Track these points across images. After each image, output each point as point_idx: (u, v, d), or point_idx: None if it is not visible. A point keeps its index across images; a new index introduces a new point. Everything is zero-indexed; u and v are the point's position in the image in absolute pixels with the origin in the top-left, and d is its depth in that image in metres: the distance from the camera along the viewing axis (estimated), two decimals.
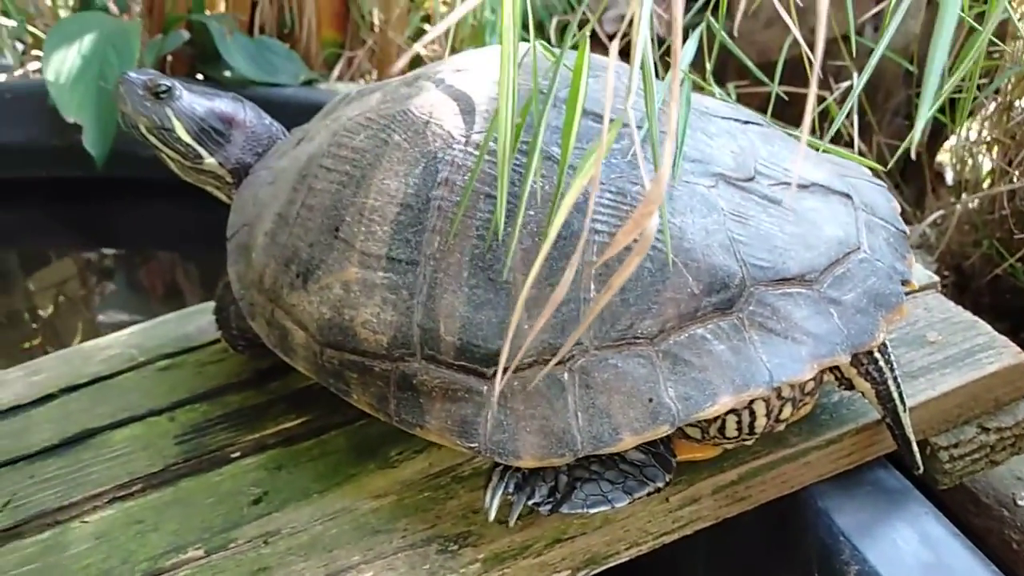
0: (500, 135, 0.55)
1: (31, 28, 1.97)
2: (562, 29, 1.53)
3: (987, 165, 1.37)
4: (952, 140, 1.50)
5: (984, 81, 1.18)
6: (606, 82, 0.67)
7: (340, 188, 0.70)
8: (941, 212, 1.30)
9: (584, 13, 1.54)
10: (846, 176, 0.73)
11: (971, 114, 1.30)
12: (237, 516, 0.74)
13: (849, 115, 1.19)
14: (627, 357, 0.60)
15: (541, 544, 0.67)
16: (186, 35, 1.78)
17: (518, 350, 0.62)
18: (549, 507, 0.63)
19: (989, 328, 0.82)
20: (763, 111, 1.47)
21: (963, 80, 1.23)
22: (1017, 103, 1.23)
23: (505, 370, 0.61)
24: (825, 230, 0.65)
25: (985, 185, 1.35)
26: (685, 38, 0.67)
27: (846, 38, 1.38)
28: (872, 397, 0.69)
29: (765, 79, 1.06)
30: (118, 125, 1.54)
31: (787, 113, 1.19)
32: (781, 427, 0.68)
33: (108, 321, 1.59)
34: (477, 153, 0.66)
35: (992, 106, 1.31)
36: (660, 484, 0.64)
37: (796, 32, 0.85)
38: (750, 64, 0.87)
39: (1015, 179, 1.20)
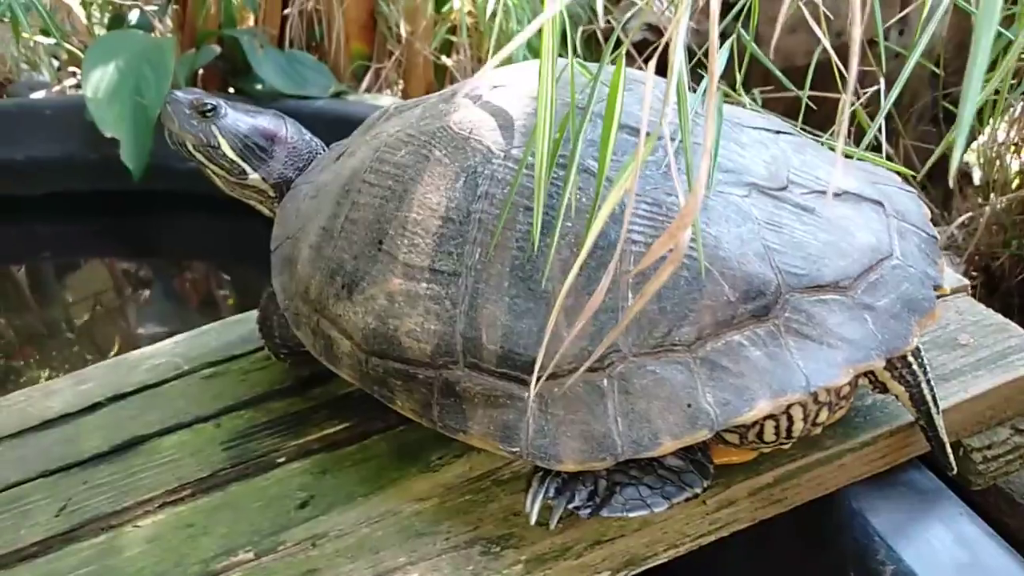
0: (538, 149, 0.57)
1: (67, 45, 2.03)
2: (587, 38, 1.55)
3: (1015, 166, 1.37)
4: (979, 141, 1.50)
5: (1013, 82, 1.19)
6: (642, 96, 0.70)
7: (383, 202, 0.73)
8: (970, 214, 1.30)
9: (609, 22, 1.56)
10: (877, 183, 0.74)
11: (1001, 113, 1.30)
12: (285, 519, 0.77)
13: (881, 125, 1.19)
14: (665, 364, 0.62)
15: (581, 546, 0.69)
16: (217, 50, 1.82)
17: (557, 356, 0.64)
18: (589, 511, 0.65)
19: (1020, 330, 0.82)
20: (788, 116, 1.48)
21: (986, 81, 1.23)
22: None
23: (542, 376, 0.64)
24: (858, 237, 0.66)
25: (1014, 186, 1.35)
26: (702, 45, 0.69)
27: (872, 42, 1.38)
28: (906, 400, 0.70)
29: (792, 87, 1.07)
30: (155, 139, 1.60)
31: (812, 117, 1.20)
32: (818, 431, 0.69)
33: (146, 330, 1.63)
34: (516, 167, 0.68)
35: (1020, 107, 1.31)
36: (698, 490, 0.65)
37: (825, 40, 0.86)
38: (778, 73, 0.89)
39: None
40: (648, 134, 0.68)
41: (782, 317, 0.63)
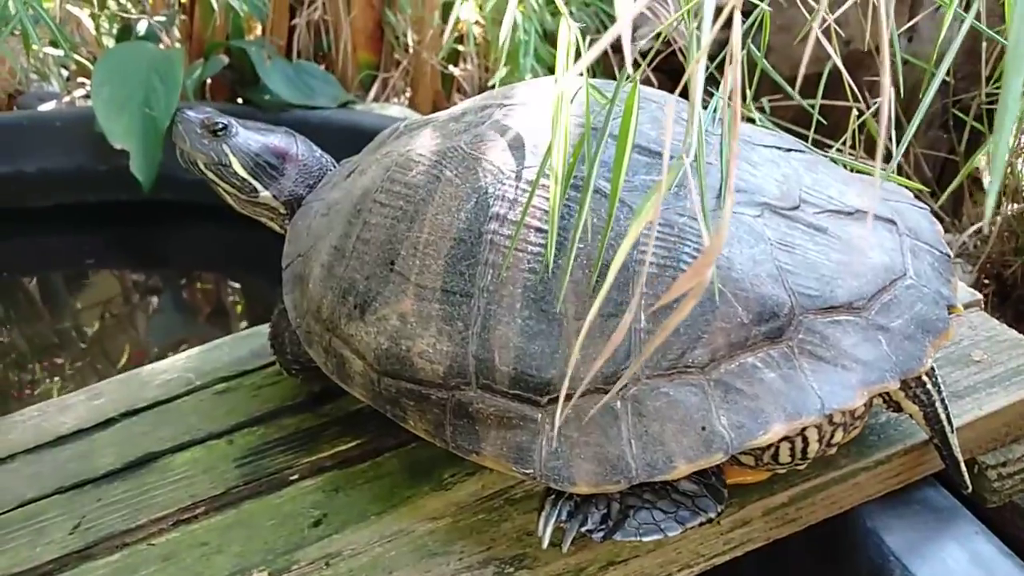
0: (553, 171, 0.57)
1: (76, 56, 2.04)
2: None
3: None
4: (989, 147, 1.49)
5: None
6: (654, 115, 0.70)
7: (394, 223, 0.73)
8: (982, 222, 1.30)
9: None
10: (888, 199, 0.74)
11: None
12: (298, 538, 0.77)
13: (891, 132, 1.19)
14: (679, 386, 0.62)
15: (595, 567, 0.69)
16: (225, 60, 1.83)
17: (572, 379, 0.64)
18: (602, 534, 0.65)
19: None
20: (796, 123, 1.48)
21: (998, 88, 1.23)
22: None
23: (558, 399, 0.63)
24: (871, 257, 0.66)
25: None
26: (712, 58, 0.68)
27: (880, 50, 1.38)
28: (920, 419, 0.70)
29: (799, 99, 1.07)
30: (164, 150, 1.60)
31: (821, 125, 1.19)
32: (832, 451, 0.69)
33: (156, 341, 1.63)
34: (527, 188, 0.68)
35: None
36: (712, 515, 0.65)
37: (834, 54, 0.85)
38: (787, 87, 0.89)
39: None
40: (672, 160, 0.68)
41: (796, 339, 0.62)
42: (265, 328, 0.99)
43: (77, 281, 1.85)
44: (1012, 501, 0.79)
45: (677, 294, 0.35)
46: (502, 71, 1.68)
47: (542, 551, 0.69)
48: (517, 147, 0.71)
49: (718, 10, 0.45)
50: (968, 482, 0.71)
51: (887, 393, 0.69)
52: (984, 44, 1.32)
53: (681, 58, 1.49)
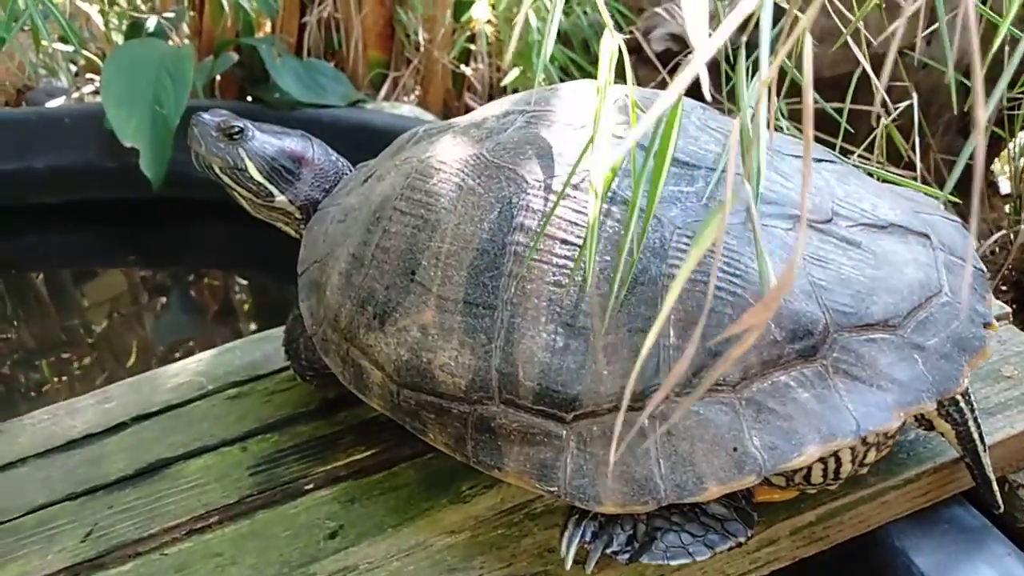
0: (593, 184, 0.55)
1: (85, 52, 2.03)
2: None
3: None
4: (1009, 149, 1.47)
5: None
6: (685, 128, 0.68)
7: (415, 232, 0.71)
8: (1002, 232, 1.28)
9: (632, 32, 1.54)
10: (920, 212, 0.73)
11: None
12: (314, 550, 0.76)
13: (909, 136, 1.17)
14: (709, 404, 0.61)
15: None
16: (235, 58, 1.81)
17: (597, 395, 0.62)
18: (627, 556, 0.64)
19: None
20: (815, 127, 1.45)
21: (1021, 93, 1.21)
22: None
23: (586, 415, 0.62)
24: (906, 273, 0.64)
25: None
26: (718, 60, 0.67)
27: (902, 53, 1.36)
28: (952, 438, 0.68)
29: (825, 105, 1.05)
30: (174, 147, 1.59)
31: (837, 131, 1.17)
32: (864, 471, 0.67)
33: (166, 341, 1.62)
34: (552, 198, 0.66)
35: None
36: (742, 539, 0.63)
37: (863, 60, 0.84)
38: (821, 101, 0.87)
39: None
40: (697, 168, 0.66)
41: (830, 357, 0.61)
42: (278, 332, 0.98)
43: (86, 279, 1.84)
44: None
45: (745, 327, 0.33)
46: (514, 72, 1.66)
47: (563, 569, 0.68)
48: (541, 156, 0.69)
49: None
50: (1000, 502, 0.70)
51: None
52: (1006, 48, 1.30)
53: None
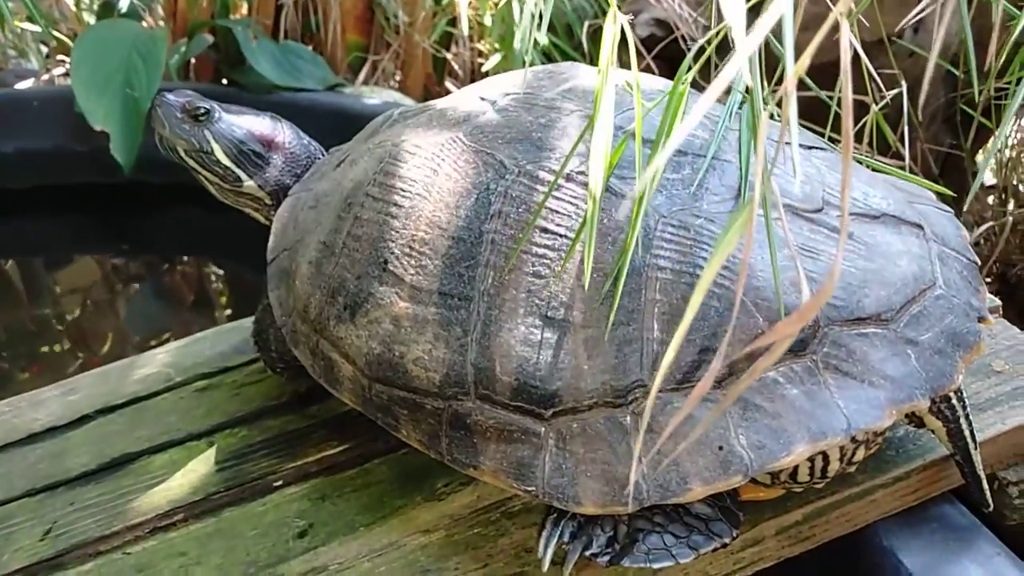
0: (592, 172, 0.53)
1: (55, 33, 1.97)
2: (593, 32, 1.50)
3: None
4: (993, 141, 1.46)
5: None
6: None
7: (388, 219, 0.68)
8: (989, 224, 1.27)
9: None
10: (913, 202, 0.70)
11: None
12: (283, 550, 0.73)
13: (898, 126, 1.15)
14: None
15: None
16: (210, 39, 1.76)
17: (578, 391, 0.60)
18: (608, 558, 0.61)
19: None
20: (801, 115, 1.43)
21: (1007, 83, 1.19)
22: None
23: (565, 412, 0.59)
24: (900, 265, 0.62)
25: None
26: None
27: (890, 40, 1.33)
28: (942, 435, 0.66)
29: (818, 91, 1.03)
30: (146, 132, 1.55)
31: (822, 116, 1.15)
32: (852, 469, 0.65)
33: (137, 328, 1.59)
34: (531, 183, 0.63)
35: None
36: (727, 540, 0.61)
37: (857, 44, 0.81)
38: (808, 81, 0.84)
39: None
40: (685, 154, 0.63)
41: (820, 352, 0.58)
42: (248, 322, 0.95)
43: (55, 266, 1.79)
44: None
45: (778, 337, 0.30)
46: (496, 57, 1.63)
47: (542, 572, 0.65)
48: (520, 140, 0.66)
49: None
50: (990, 501, 0.68)
51: None
52: (993, 36, 1.29)
53: (682, 45, 1.45)
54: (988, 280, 1.35)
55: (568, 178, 0.63)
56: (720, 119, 0.64)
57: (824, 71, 1.07)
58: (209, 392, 0.93)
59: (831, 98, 0.86)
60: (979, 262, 0.67)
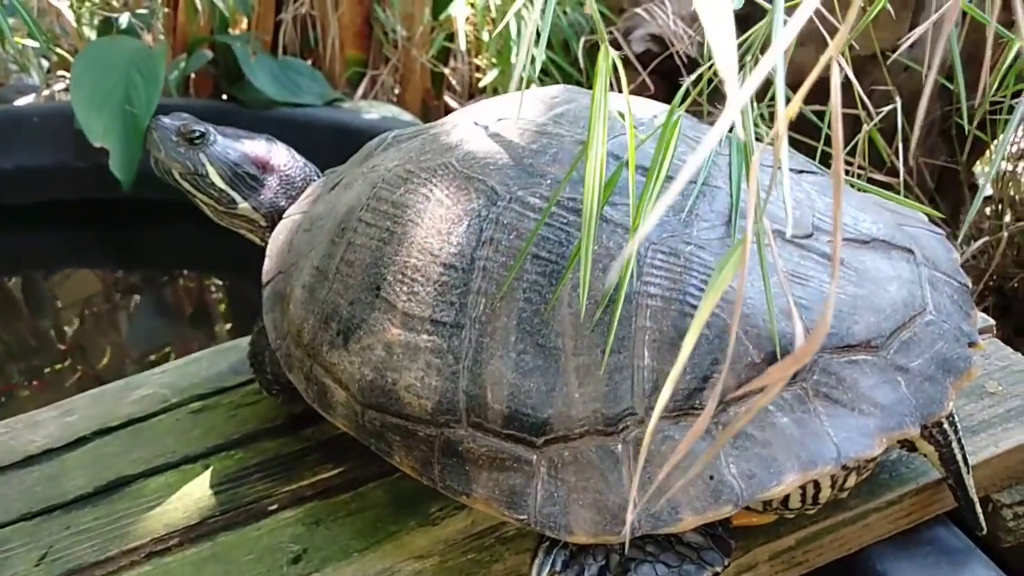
0: (586, 200, 0.53)
1: (56, 48, 1.98)
2: (590, 48, 1.51)
3: None
4: (990, 153, 1.46)
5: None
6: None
7: (381, 244, 0.68)
8: (986, 239, 1.27)
9: (612, 33, 1.51)
10: (903, 224, 0.70)
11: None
12: (277, 575, 0.73)
13: (893, 140, 1.15)
14: (684, 429, 0.58)
15: None
16: (209, 55, 1.77)
17: (569, 419, 0.60)
18: None
19: None
20: (794, 130, 1.44)
21: (1003, 96, 1.19)
22: None
23: (557, 440, 0.59)
24: (890, 290, 0.62)
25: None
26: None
27: (885, 55, 1.34)
28: (935, 459, 0.66)
29: (810, 113, 1.03)
30: (144, 148, 1.55)
31: (815, 128, 1.15)
32: (844, 495, 0.65)
33: (136, 345, 1.59)
34: (522, 211, 0.64)
35: None
36: (718, 569, 0.61)
37: (845, 65, 0.81)
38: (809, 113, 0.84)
39: None
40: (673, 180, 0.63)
41: (811, 380, 0.58)
42: (244, 342, 0.95)
43: (55, 281, 1.80)
44: None
45: (770, 381, 0.30)
46: (493, 72, 1.63)
47: None
48: (512, 166, 0.66)
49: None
50: (983, 524, 0.68)
51: None
52: (988, 51, 1.29)
53: (678, 62, 1.45)
54: (984, 293, 1.35)
55: (559, 204, 0.63)
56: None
57: (817, 84, 1.08)
58: (205, 413, 0.93)
59: (821, 116, 0.86)
60: (970, 285, 0.67)
